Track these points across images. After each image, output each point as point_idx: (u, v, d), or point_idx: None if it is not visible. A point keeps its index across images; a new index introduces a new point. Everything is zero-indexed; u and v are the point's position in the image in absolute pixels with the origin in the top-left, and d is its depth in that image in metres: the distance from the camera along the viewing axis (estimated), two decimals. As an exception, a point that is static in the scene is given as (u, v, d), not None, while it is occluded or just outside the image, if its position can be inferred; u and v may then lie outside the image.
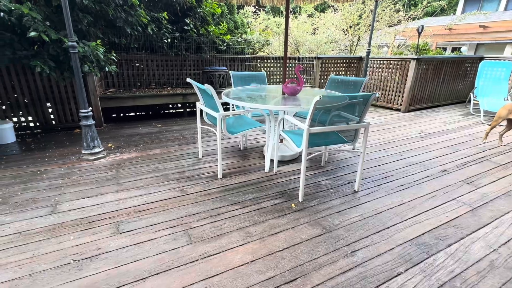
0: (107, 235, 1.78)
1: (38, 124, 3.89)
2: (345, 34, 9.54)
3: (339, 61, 6.60)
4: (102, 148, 3.09)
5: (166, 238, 1.77)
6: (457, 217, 2.06)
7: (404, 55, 8.89)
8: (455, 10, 16.85)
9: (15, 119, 3.77)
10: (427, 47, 9.48)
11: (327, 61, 6.42)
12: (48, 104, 3.91)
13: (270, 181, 2.56)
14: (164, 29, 4.75)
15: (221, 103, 2.47)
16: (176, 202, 2.19)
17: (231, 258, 1.60)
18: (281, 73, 6.23)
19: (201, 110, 2.91)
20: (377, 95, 2.23)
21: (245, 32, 6.60)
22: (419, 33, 8.09)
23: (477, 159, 3.17)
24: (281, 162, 2.98)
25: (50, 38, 2.88)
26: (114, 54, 3.70)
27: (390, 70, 5.77)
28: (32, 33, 2.74)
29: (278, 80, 6.28)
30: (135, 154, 3.18)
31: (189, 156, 3.15)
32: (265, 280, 1.46)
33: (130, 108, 5.17)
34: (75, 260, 1.56)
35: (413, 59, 5.25)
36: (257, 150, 3.40)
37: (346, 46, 9.72)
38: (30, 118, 3.84)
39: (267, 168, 2.78)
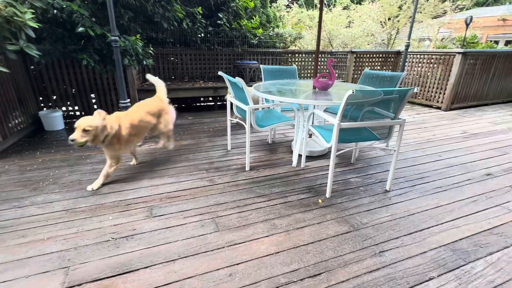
0: (141, 218, 1.90)
1: (83, 113, 4.22)
2: (383, 27, 9.05)
3: (374, 55, 6.30)
4: (139, 137, 3.28)
5: (195, 224, 1.85)
6: (501, 224, 1.90)
7: (449, 49, 8.23)
8: (512, -2, 15.18)
9: (64, 108, 4.12)
10: (476, 40, 8.68)
11: (361, 55, 6.16)
12: (92, 95, 4.22)
13: (297, 176, 2.55)
14: (198, 24, 4.87)
15: (251, 96, 2.49)
16: (205, 191, 2.27)
17: (256, 248, 1.63)
18: (311, 67, 6.11)
19: (231, 104, 2.97)
20: (415, 90, 2.11)
21: (277, 26, 6.54)
22: (467, 25, 7.42)
23: (529, 163, 2.87)
24: (309, 158, 2.94)
25: (95, 33, 3.09)
26: (151, 48, 3.87)
27: (431, 65, 5.39)
28: (80, 29, 2.96)
29: (309, 74, 6.16)
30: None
31: (218, 147, 3.23)
32: (289, 272, 1.47)
33: (164, 100, 5.40)
34: (113, 238, 1.70)
35: (459, 53, 4.84)
36: (285, 144, 3.39)
37: (383, 39, 9.23)
38: (76, 108, 4.19)
39: (294, 163, 2.76)
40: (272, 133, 3.49)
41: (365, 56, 6.20)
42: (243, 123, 2.65)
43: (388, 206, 2.10)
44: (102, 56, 3.42)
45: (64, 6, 2.93)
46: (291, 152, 3.11)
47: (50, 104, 4.02)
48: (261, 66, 3.53)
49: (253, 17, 5.53)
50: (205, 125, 4.15)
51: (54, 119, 3.76)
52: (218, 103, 5.43)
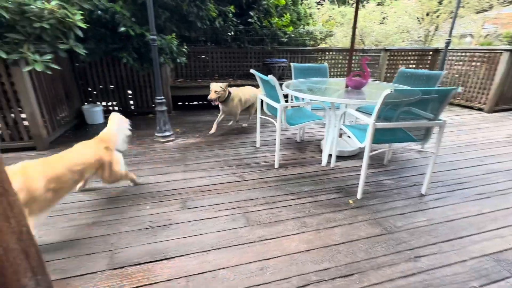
0: (176, 209, 1.99)
1: (120, 108, 4.47)
2: (420, 23, 8.57)
3: (410, 53, 6.01)
4: (172, 132, 3.43)
5: (226, 218, 1.90)
6: (553, 237, 1.75)
7: (494, 45, 7.62)
8: None
9: (103, 103, 4.40)
10: (526, 36, 7.94)
11: (395, 53, 5.90)
12: (129, 91, 4.46)
13: (327, 175, 2.52)
14: (230, 22, 4.94)
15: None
16: (235, 186, 2.32)
17: (286, 245, 1.65)
18: (342, 66, 5.96)
19: (260, 101, 2.99)
20: (459, 90, 2.00)
21: (308, 23, 6.45)
22: (517, 20, 6.80)
23: None
24: (339, 157, 2.89)
25: (135, 33, 3.26)
26: (185, 47, 4.01)
27: (473, 63, 5.03)
28: (122, 28, 3.14)
29: (339, 73, 6.02)
30: (199, 139, 3.44)
31: (247, 144, 3.28)
32: (320, 270, 1.47)
33: (194, 97, 5.56)
34: (151, 227, 1.80)
35: (506, 50, 4.47)
36: (314, 143, 3.36)
37: (419, 36, 8.74)
38: (114, 103, 4.45)
39: (324, 162, 2.73)
40: (301, 132, 3.47)
41: (399, 54, 5.93)
42: (273, 121, 2.67)
43: (424, 210, 2.02)
44: (140, 54, 3.60)
45: (108, 7, 3.12)
46: (320, 151, 3.08)
47: (91, 99, 4.31)
48: (292, 64, 3.51)
49: (284, 15, 5.50)
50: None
51: (95, 113, 4.03)
52: (246, 100, 5.48)
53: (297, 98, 3.21)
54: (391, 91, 1.79)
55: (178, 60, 3.86)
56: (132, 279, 1.41)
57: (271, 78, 2.41)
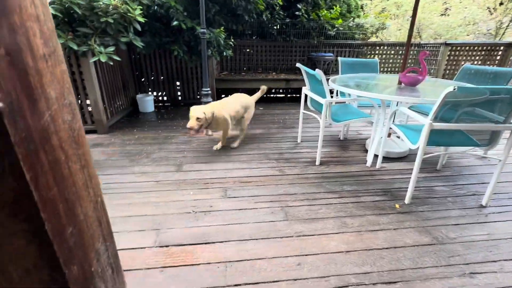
0: (217, 197, 2.07)
1: (169, 98, 4.75)
2: (491, 14, 7.58)
3: (475, 48, 5.36)
4: (215, 123, 3.54)
5: (265, 210, 1.92)
6: None
7: None
8: None
9: (154, 93, 4.71)
10: None
11: (458, 48, 5.32)
12: (177, 83, 4.70)
13: (371, 176, 2.40)
14: (276, 15, 4.90)
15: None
16: (275, 180, 2.33)
17: (325, 243, 1.62)
18: (393, 61, 5.56)
19: (305, 96, 2.94)
20: (540, 90, 1.74)
21: (358, 16, 6.11)
22: None
23: None
24: (385, 159, 2.72)
25: (186, 26, 3.41)
26: (232, 40, 4.08)
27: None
28: (175, 22, 3.31)
29: (391, 69, 5.63)
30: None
31: (288, 139, 3.25)
32: (360, 273, 1.41)
33: (237, 90, 5.66)
34: (194, 212, 1.90)
35: None
36: (358, 142, 3.21)
37: (489, 29, 7.74)
38: (164, 93, 4.73)
39: (369, 163, 2.60)
40: (344, 129, 3.34)
41: (462, 48, 5.34)
42: (317, 117, 2.60)
43: (484, 223, 1.81)
44: (189, 47, 3.76)
45: (164, 2, 3.30)
46: (365, 150, 2.93)
47: (143, 88, 4.64)
48: (339, 58, 3.38)
49: (333, 7, 5.28)
50: (275, 116, 4.22)
51: (147, 102, 4.33)
52: (288, 95, 5.43)
53: (342, 94, 3.09)
54: (454, 89, 1.62)
55: (225, 53, 3.96)
56: (176, 257, 1.50)
57: (318, 72, 2.34)
